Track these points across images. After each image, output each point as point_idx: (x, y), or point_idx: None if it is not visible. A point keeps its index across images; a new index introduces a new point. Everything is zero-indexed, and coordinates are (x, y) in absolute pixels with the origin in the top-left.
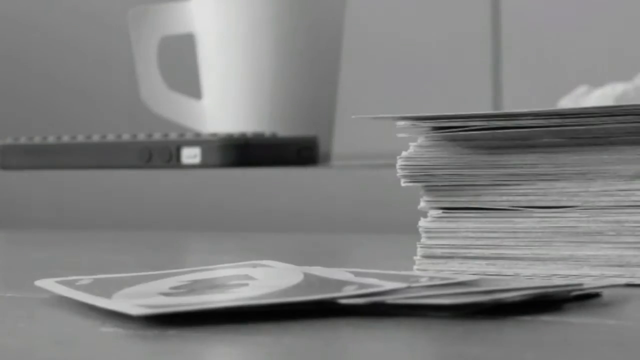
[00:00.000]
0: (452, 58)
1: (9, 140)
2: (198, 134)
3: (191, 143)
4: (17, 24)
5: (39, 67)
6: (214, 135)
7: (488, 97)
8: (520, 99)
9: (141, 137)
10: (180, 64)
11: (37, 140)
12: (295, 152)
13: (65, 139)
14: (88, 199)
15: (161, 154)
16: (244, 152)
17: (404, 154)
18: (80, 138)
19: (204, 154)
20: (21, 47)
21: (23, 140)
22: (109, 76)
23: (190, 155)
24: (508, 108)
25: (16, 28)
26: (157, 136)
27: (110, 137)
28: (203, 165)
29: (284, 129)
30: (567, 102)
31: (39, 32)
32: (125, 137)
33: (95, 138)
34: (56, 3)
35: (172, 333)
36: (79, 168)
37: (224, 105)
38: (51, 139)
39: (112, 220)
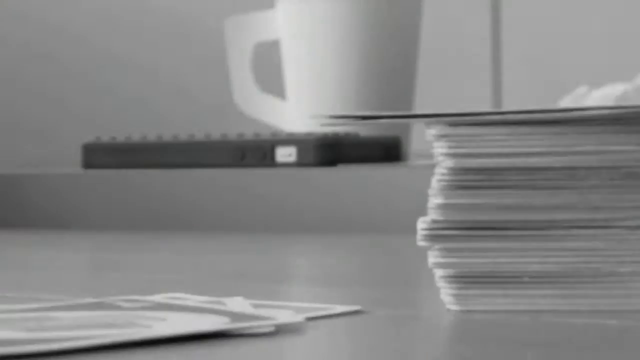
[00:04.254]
0: (452, 58)
1: (91, 139)
2: (292, 134)
3: (286, 142)
4: (108, 24)
5: (129, 67)
6: (310, 134)
7: (488, 97)
8: (520, 99)
9: (233, 136)
10: (265, 68)
11: (121, 139)
12: (383, 151)
13: (151, 137)
14: (174, 198)
15: (255, 153)
16: (338, 151)
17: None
18: (167, 137)
19: (299, 153)
20: (116, 48)
21: (106, 139)
22: (196, 78)
23: (285, 154)
24: (508, 108)
25: (107, 27)
26: (250, 135)
27: (200, 136)
28: (299, 164)
29: (363, 130)
30: (567, 102)
31: (128, 37)
32: (216, 135)
33: (183, 137)
34: (151, 6)
35: None
36: (166, 167)
37: (304, 107)
38: (136, 138)
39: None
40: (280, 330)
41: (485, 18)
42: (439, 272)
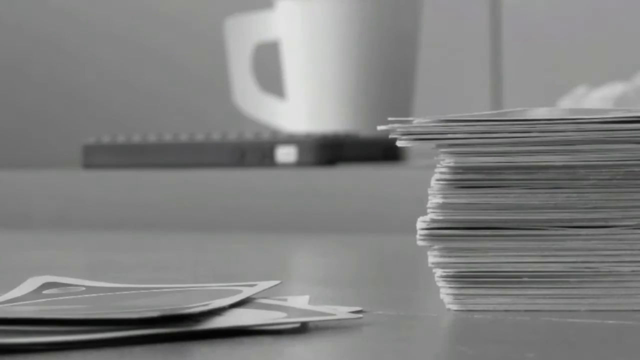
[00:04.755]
0: (451, 58)
1: (92, 139)
2: (292, 134)
3: (286, 142)
4: (104, 29)
5: (124, 71)
6: (309, 134)
7: (487, 97)
8: (520, 99)
9: (233, 136)
10: (265, 68)
11: (121, 139)
12: (383, 151)
13: (151, 137)
14: (174, 198)
15: (255, 153)
16: (337, 150)
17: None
18: (167, 137)
19: (299, 153)
20: (111, 54)
21: (106, 139)
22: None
23: (285, 154)
24: (507, 108)
25: (107, 29)
26: (250, 135)
27: (200, 136)
28: (299, 164)
29: (361, 129)
30: (567, 103)
31: (128, 37)
32: (216, 135)
33: (183, 137)
34: (151, 12)
35: None
36: (166, 167)
37: (304, 107)
38: (136, 138)
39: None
40: (282, 331)
41: (485, 18)
42: (438, 272)
